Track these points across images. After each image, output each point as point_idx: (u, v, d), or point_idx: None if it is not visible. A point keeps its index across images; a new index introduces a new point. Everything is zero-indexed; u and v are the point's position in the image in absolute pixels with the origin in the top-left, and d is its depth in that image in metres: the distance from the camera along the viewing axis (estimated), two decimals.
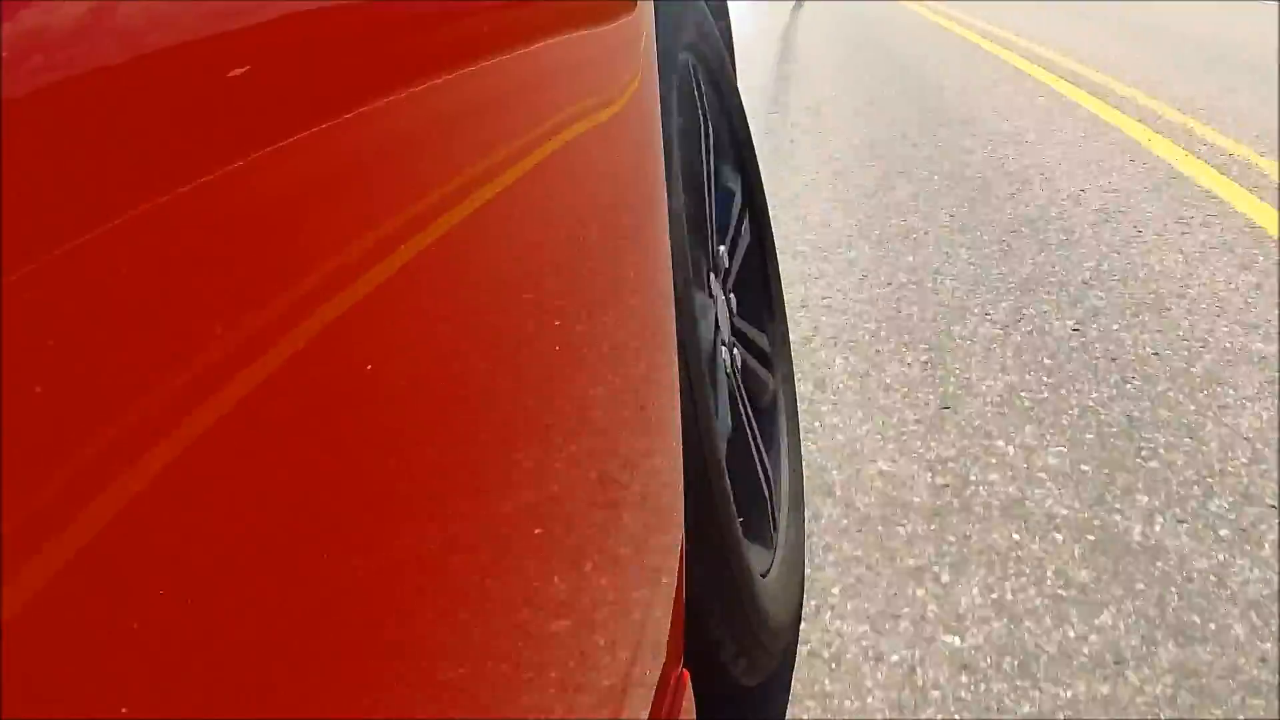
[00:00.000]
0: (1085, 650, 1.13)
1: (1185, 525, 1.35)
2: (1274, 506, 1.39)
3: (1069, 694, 1.07)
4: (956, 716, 1.05)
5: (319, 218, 0.34)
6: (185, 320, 0.27)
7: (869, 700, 1.08)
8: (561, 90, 0.58)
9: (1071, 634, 1.16)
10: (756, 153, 1.41)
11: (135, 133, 0.26)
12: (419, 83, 0.40)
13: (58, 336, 0.23)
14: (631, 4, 0.75)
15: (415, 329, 0.38)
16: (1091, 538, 1.34)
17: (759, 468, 1.13)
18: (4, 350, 0.22)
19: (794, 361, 1.73)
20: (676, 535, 0.71)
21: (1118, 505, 1.41)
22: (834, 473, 1.52)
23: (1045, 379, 1.81)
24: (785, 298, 1.69)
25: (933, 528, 1.38)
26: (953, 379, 1.83)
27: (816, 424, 1.68)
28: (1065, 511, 1.40)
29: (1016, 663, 1.12)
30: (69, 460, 0.23)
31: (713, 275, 1.12)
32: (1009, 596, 1.23)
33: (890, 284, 2.34)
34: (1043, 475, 1.49)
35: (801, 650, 1.15)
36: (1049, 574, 1.27)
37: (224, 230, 0.29)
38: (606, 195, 0.63)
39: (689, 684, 0.71)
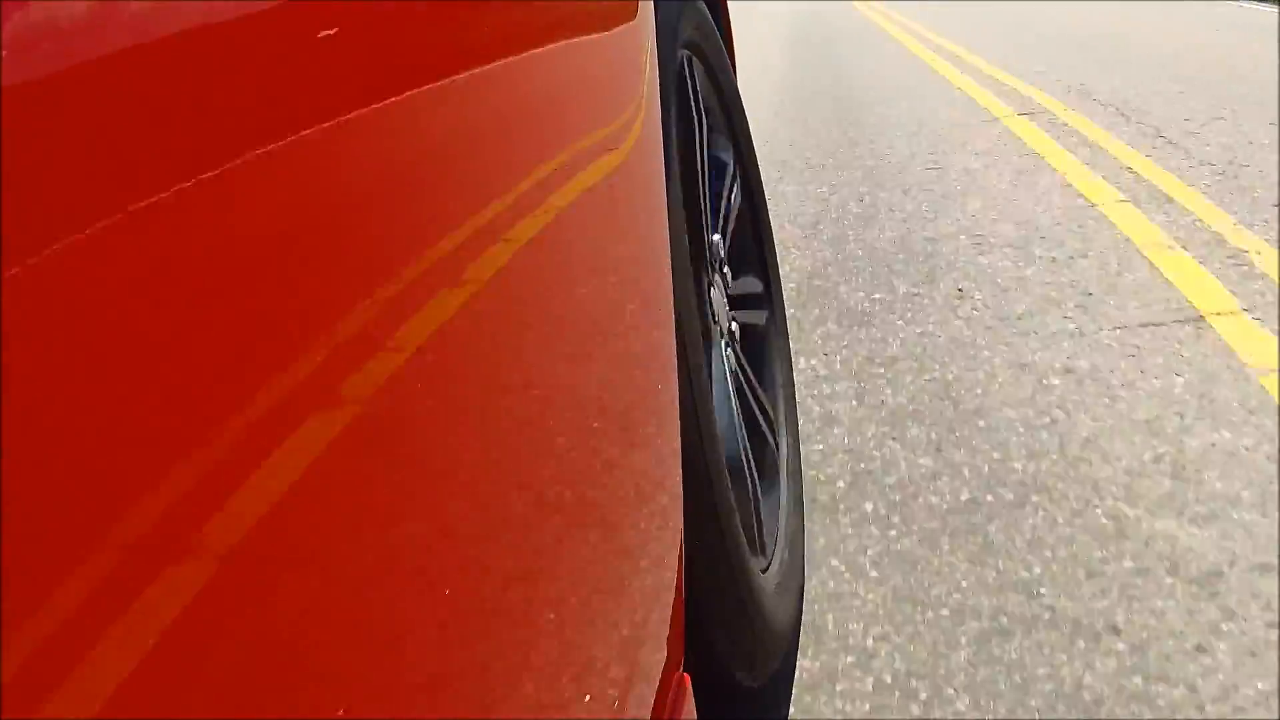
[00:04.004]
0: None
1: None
2: None
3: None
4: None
5: (327, 227, 0.34)
6: (183, 320, 0.27)
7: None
8: (564, 100, 0.58)
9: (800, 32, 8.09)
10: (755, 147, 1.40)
11: (130, 133, 0.26)
12: (416, 88, 0.40)
13: (59, 333, 0.23)
14: (633, 11, 0.75)
15: (416, 334, 0.38)
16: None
17: (757, 469, 1.13)
18: (4, 349, 0.22)
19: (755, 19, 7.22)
20: (676, 537, 0.72)
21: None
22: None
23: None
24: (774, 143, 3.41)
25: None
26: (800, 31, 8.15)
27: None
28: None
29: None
30: (68, 460, 0.23)
31: (711, 281, 1.12)
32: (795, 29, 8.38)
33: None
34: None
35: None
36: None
37: (214, 242, 0.29)
38: (608, 201, 0.63)
39: (689, 686, 0.71)
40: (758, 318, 1.38)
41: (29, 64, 0.23)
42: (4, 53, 0.23)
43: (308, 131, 0.32)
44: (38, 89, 0.23)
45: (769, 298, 1.42)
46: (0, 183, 0.22)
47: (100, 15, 0.26)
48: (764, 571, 1.02)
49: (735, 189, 1.33)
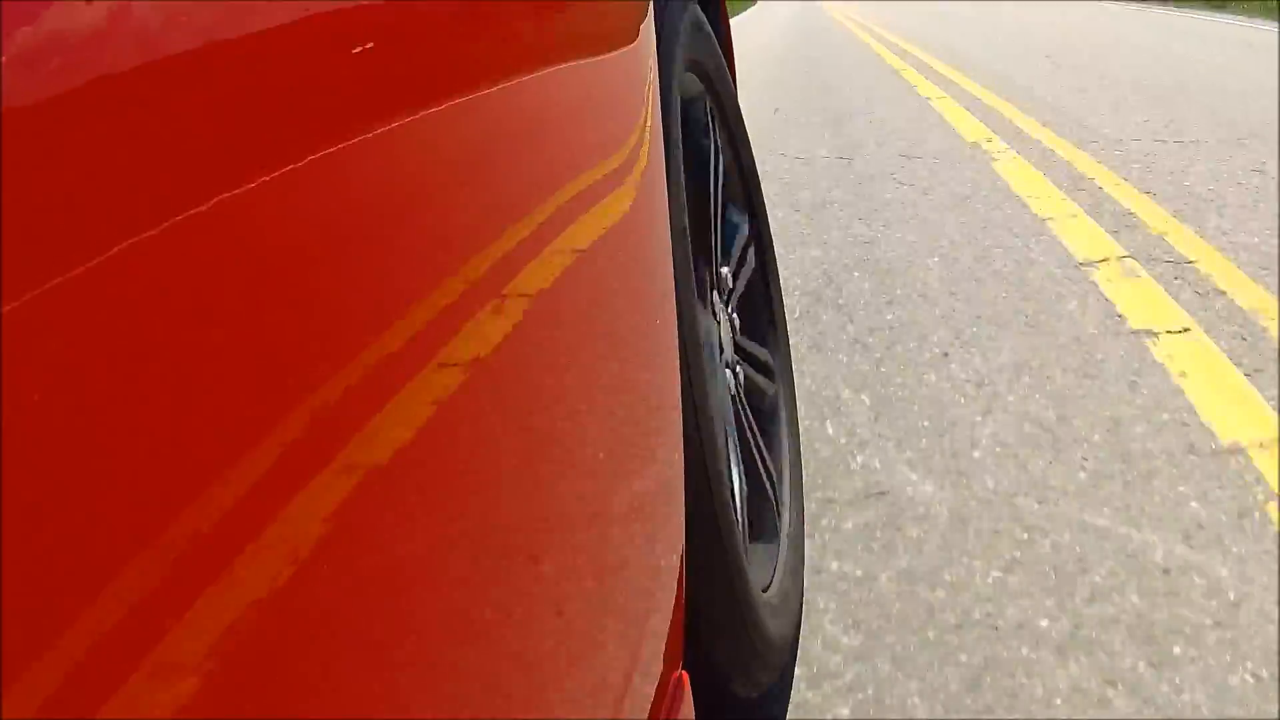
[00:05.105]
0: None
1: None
2: None
3: None
4: None
5: (316, 249, 0.34)
6: (187, 333, 0.27)
7: None
8: (563, 127, 0.58)
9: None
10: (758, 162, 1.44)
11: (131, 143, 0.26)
12: (415, 111, 0.40)
13: (61, 350, 0.23)
14: (634, 33, 0.76)
15: (417, 336, 0.38)
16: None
17: (761, 475, 1.14)
18: (5, 366, 0.22)
19: None
20: (676, 538, 0.72)
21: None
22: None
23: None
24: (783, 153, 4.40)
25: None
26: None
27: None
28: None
29: None
30: (73, 466, 0.23)
31: (714, 291, 1.14)
32: None
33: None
34: None
35: None
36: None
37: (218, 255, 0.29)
38: (609, 212, 0.64)
39: (688, 686, 0.71)
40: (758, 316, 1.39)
41: (32, 75, 0.23)
42: (4, 58, 0.23)
43: (296, 161, 0.32)
44: (42, 101, 0.23)
45: (772, 320, 1.43)
46: (2, 198, 0.22)
47: (107, 23, 0.26)
48: (764, 590, 1.02)
49: (740, 206, 1.34)
